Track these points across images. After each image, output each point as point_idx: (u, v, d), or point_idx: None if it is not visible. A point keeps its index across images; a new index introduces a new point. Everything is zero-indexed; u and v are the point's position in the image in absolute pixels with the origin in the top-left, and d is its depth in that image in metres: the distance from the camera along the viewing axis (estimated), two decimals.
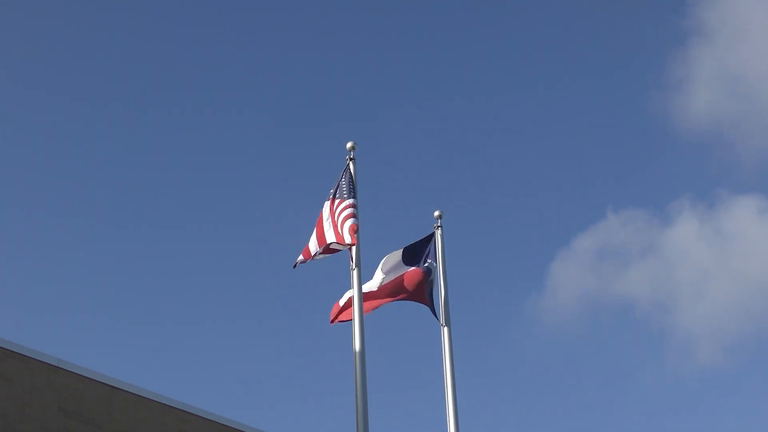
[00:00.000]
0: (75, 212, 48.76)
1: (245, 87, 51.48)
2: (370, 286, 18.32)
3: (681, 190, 52.10)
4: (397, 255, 18.75)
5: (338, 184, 17.60)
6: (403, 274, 18.45)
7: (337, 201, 17.41)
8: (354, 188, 17.47)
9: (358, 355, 16.21)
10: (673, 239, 50.62)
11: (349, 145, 17.81)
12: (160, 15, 51.08)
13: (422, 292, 18.52)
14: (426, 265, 18.67)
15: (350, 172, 17.69)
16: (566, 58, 53.34)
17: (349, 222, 16.90)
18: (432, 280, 18.62)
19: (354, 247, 17.02)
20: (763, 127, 50.87)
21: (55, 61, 49.67)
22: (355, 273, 17.04)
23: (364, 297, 17.52)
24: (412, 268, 18.58)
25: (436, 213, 19.29)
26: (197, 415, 16.41)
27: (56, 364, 14.94)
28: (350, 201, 17.25)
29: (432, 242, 18.96)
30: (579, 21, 53.42)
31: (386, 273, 18.47)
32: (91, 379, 15.29)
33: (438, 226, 19.16)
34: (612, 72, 52.94)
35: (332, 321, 18.34)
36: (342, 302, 18.22)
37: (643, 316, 49.24)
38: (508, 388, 47.50)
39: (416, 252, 18.79)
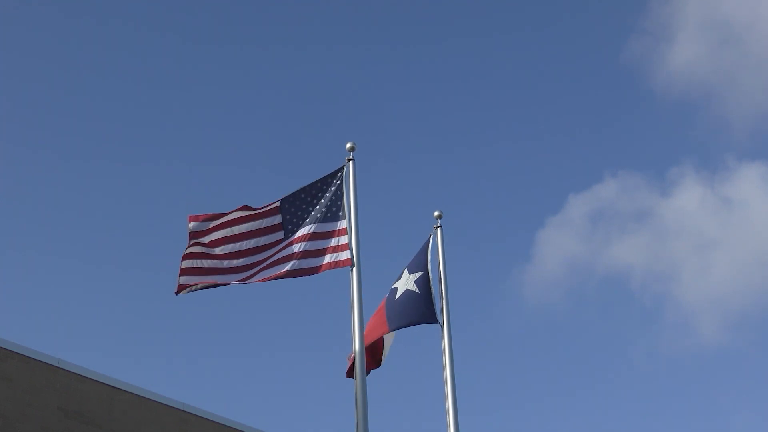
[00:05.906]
0: (74, 211, 48.82)
1: (245, 86, 51.55)
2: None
3: (682, 154, 48.46)
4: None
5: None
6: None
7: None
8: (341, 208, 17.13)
9: (357, 355, 16.19)
10: (673, 206, 47.30)
11: (348, 145, 17.77)
12: (160, 13, 51.13)
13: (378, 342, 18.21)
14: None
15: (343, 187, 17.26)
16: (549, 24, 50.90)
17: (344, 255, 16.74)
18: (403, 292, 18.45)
19: (353, 249, 16.93)
20: (759, 83, 47.12)
21: (52, 57, 49.75)
22: (354, 273, 16.99)
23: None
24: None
25: (436, 213, 19.23)
26: (197, 415, 16.43)
27: (56, 364, 14.96)
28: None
29: (428, 247, 18.81)
30: None
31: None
32: (91, 379, 15.31)
33: (438, 227, 19.11)
34: (588, 17, 49.64)
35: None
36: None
37: (637, 288, 46.24)
38: (490, 368, 45.34)
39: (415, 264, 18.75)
